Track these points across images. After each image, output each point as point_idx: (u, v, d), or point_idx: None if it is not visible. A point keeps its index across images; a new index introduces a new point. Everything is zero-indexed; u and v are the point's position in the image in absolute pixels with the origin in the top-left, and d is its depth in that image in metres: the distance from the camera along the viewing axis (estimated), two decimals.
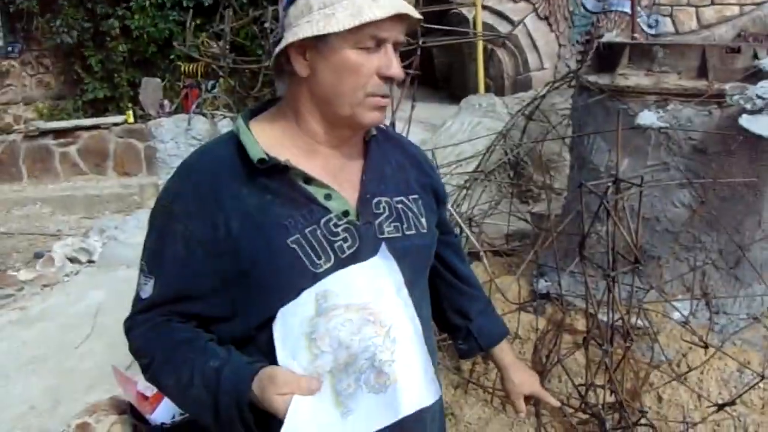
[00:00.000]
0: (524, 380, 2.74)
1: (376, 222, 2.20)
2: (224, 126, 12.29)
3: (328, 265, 2.07)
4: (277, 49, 2.15)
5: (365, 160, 2.30)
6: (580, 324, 4.28)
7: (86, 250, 9.45)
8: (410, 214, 2.30)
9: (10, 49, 14.76)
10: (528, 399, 2.75)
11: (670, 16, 13.01)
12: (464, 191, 5.66)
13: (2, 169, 13.63)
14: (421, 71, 4.76)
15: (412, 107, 4.70)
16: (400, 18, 2.10)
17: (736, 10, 12.85)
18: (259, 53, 11.60)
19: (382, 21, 2.05)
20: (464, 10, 12.75)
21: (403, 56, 4.48)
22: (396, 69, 2.12)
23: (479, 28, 11.99)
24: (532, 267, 4.76)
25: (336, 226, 2.12)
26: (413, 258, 2.25)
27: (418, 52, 4.51)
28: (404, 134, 4.53)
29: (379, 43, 2.09)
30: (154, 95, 13.39)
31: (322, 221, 2.11)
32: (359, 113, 2.13)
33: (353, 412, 1.99)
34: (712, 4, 12.91)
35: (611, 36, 11.24)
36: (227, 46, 5.24)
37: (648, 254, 4.25)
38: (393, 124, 4.50)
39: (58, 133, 13.44)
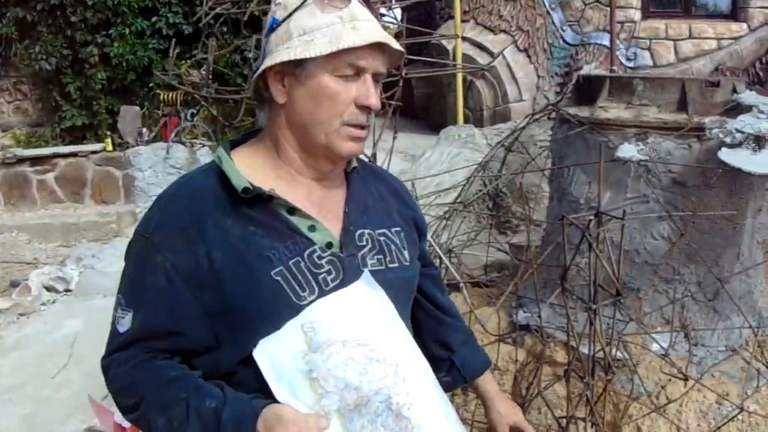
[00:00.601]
0: (509, 411, 2.71)
1: (360, 254, 2.18)
2: (203, 155, 12.26)
3: (312, 297, 2.04)
4: (256, 74, 2.16)
5: (347, 192, 2.28)
6: (560, 356, 4.27)
7: (63, 278, 9.37)
8: (393, 246, 2.29)
9: None
10: (511, 430, 2.74)
11: (649, 49, 13.14)
12: (444, 222, 5.66)
13: None
14: (401, 102, 4.76)
15: (394, 138, 4.70)
16: (380, 49, 2.10)
17: (713, 44, 13.00)
18: (239, 82, 11.62)
19: (361, 50, 2.05)
20: (444, 42, 12.81)
21: (385, 87, 4.50)
22: (374, 99, 2.11)
23: (459, 59, 12.04)
24: (512, 298, 4.75)
25: (320, 258, 2.10)
26: (397, 290, 2.23)
27: (401, 84, 4.51)
28: (385, 165, 4.54)
29: (358, 72, 2.09)
30: (133, 123, 13.35)
31: (306, 253, 2.08)
32: (335, 142, 2.12)
33: None
34: (690, 37, 13.05)
35: (590, 68, 11.31)
36: (210, 76, 5.23)
37: (627, 286, 4.26)
38: (374, 155, 4.50)
39: (35, 161, 13.36)
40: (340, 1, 2.09)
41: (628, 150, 4.09)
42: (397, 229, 2.34)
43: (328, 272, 2.10)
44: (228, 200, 2.08)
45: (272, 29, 2.14)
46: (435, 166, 7.91)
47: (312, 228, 2.12)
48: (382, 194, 2.41)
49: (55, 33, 14.04)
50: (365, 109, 2.11)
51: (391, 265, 2.25)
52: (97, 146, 13.42)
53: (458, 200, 5.77)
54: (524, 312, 4.63)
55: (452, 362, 2.67)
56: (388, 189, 2.46)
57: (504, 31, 13.22)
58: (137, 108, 13.78)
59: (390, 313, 2.14)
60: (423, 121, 14.15)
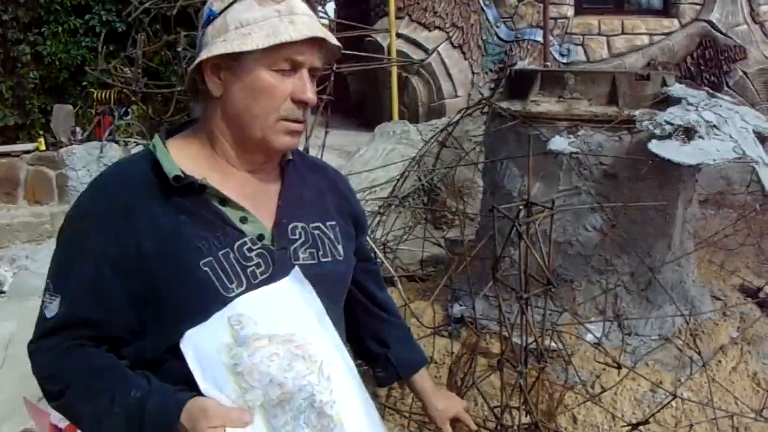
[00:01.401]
0: (447, 405, 2.72)
1: (291, 248, 2.16)
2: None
3: (240, 290, 2.03)
4: (191, 67, 2.13)
5: (282, 185, 2.25)
6: (495, 347, 4.30)
7: None
8: (326, 240, 2.26)
9: None
10: (452, 422, 2.74)
11: (582, 45, 13.26)
12: (378, 217, 5.67)
13: None
14: (335, 98, 4.76)
15: (326, 133, 4.69)
16: (318, 44, 2.09)
17: (645, 39, 13.15)
18: (173, 79, 11.53)
19: (298, 44, 2.03)
20: (379, 38, 12.82)
21: (317, 82, 4.51)
22: (310, 94, 2.08)
23: (393, 55, 12.04)
24: (447, 292, 4.77)
25: (250, 250, 2.08)
26: (328, 285, 2.21)
27: (332, 78, 4.50)
28: None
29: (295, 66, 2.06)
30: (66, 122, 13.17)
31: (236, 245, 2.06)
32: (271, 137, 2.09)
33: None
34: (623, 33, 13.19)
35: (524, 64, 11.39)
36: (139, 71, 5.17)
37: (561, 277, 4.30)
38: (307, 150, 4.49)
39: None
40: None
41: (560, 143, 4.13)
42: (332, 223, 2.31)
43: (258, 265, 2.08)
44: (160, 188, 2.05)
45: (209, 21, 2.11)
46: (370, 162, 7.91)
47: (244, 219, 2.10)
48: (320, 188, 2.37)
49: None
50: (301, 104, 2.09)
51: (323, 260, 2.23)
52: (30, 146, 13.20)
53: (393, 195, 5.78)
54: (459, 305, 4.65)
55: (387, 358, 2.67)
56: (328, 182, 2.43)
57: (438, 27, 13.25)
58: (70, 107, 13.59)
59: (317, 310, 2.12)
60: (358, 118, 14.14)
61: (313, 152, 4.57)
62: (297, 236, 2.19)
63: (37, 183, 12.89)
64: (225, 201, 2.08)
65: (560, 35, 13.23)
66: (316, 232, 2.25)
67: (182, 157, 2.11)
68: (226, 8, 2.08)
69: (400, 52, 12.49)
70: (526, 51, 13.11)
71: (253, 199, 2.15)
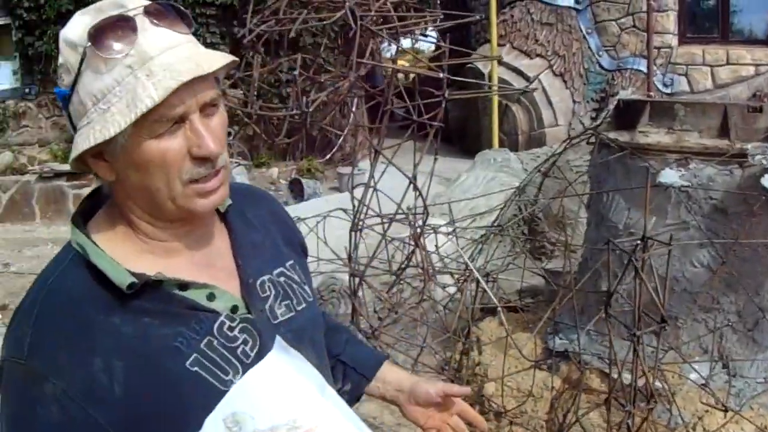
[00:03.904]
0: (434, 384, 2.36)
1: (267, 307, 1.90)
2: (237, 174, 12.26)
3: (239, 377, 1.77)
4: (71, 160, 1.78)
5: (230, 236, 1.96)
6: (595, 383, 4.23)
7: None
8: (294, 285, 2.01)
9: (27, 90, 14.84)
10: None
11: (686, 75, 13.07)
12: (480, 246, 5.64)
13: (15, 209, 13.73)
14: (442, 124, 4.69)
15: (435, 160, 4.61)
16: (198, 80, 1.69)
17: (751, 70, 12.91)
18: (275, 101, 11.65)
19: (169, 98, 1.63)
20: (480, 66, 12.80)
21: (426, 109, 4.47)
22: (210, 144, 1.71)
23: (495, 82, 12.01)
24: (547, 324, 4.71)
25: (231, 329, 1.80)
26: (311, 333, 2.01)
27: (443, 105, 4.41)
28: (424, 189, 4.47)
29: (180, 119, 1.69)
30: None
31: (215, 328, 1.78)
32: (185, 205, 1.75)
33: None
34: (727, 63, 12.98)
35: (626, 94, 11.26)
36: (255, 93, 5.19)
37: (666, 314, 4.22)
38: (415, 177, 4.44)
39: (71, 176, 13.47)
40: (118, 40, 1.68)
41: (670, 176, 4.06)
42: (291, 262, 2.07)
43: (245, 342, 1.81)
44: (109, 296, 1.71)
45: (66, 102, 1.78)
46: (470, 189, 7.90)
47: (211, 297, 1.80)
48: (264, 223, 2.09)
49: None
50: (203, 160, 1.72)
51: (299, 308, 1.98)
52: None
53: (496, 223, 5.74)
54: (560, 338, 4.59)
55: (343, 364, 2.37)
56: (269, 213, 2.15)
57: (540, 55, 13.21)
58: None
59: (315, 379, 1.87)
60: (457, 145, 14.15)
61: (420, 180, 4.50)
62: (267, 292, 1.94)
63: None
64: (185, 286, 1.79)
65: (663, 65, 13.08)
66: (282, 279, 2.00)
67: (116, 249, 1.78)
68: (74, 82, 1.75)
69: (500, 80, 12.46)
70: (629, 80, 12.99)
71: (209, 267, 1.88)
